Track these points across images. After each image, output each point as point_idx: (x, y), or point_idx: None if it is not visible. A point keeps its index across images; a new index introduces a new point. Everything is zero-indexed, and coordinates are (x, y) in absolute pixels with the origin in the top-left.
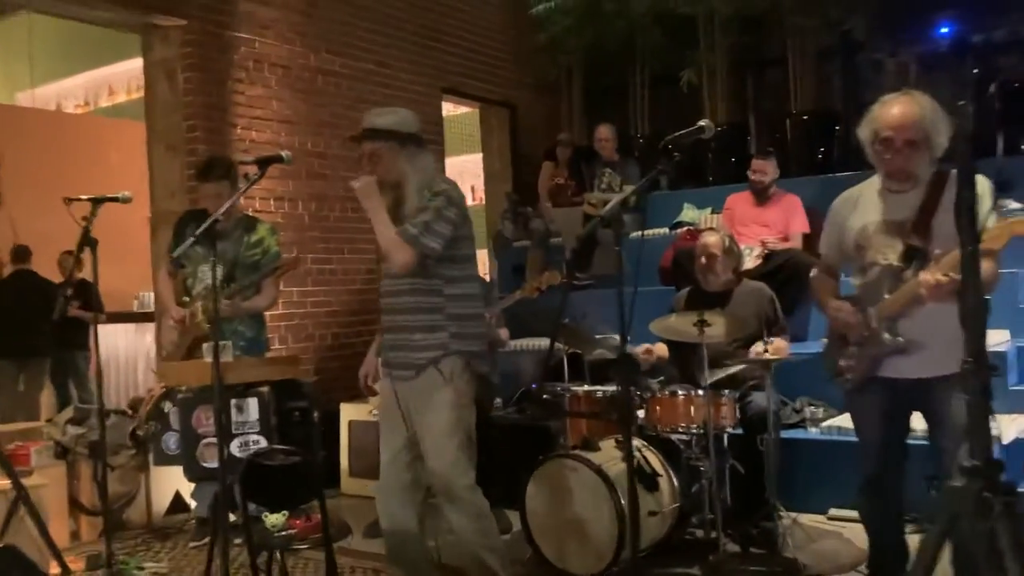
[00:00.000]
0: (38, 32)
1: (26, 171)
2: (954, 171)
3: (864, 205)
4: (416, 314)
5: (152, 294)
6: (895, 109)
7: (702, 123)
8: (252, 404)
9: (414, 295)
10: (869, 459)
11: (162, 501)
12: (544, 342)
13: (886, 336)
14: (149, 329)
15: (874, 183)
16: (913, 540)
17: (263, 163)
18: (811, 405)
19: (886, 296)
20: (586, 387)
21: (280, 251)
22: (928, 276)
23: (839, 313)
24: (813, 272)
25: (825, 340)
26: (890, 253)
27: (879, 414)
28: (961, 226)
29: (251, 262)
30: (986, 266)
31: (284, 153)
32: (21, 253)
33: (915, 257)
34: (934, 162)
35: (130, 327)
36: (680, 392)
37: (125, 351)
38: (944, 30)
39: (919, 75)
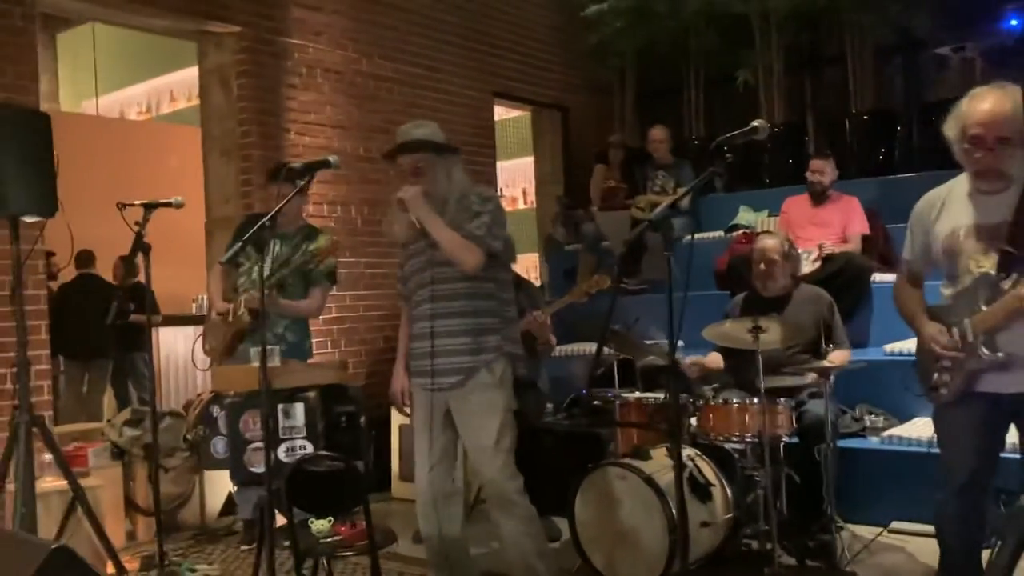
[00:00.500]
0: (102, 43)
1: (88, 177)
2: None
3: (952, 208)
4: (469, 317)
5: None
6: (985, 104)
7: (755, 123)
8: (299, 409)
9: (469, 299)
10: (957, 474)
11: (215, 503)
12: (593, 347)
13: (984, 351)
14: None
15: (961, 184)
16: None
17: (310, 168)
18: (871, 414)
19: (983, 308)
20: (637, 394)
21: (335, 263)
22: None
23: (935, 343)
24: (897, 281)
25: (915, 353)
26: (984, 260)
27: (975, 429)
28: None
29: (302, 269)
30: None
31: (332, 158)
32: (85, 257)
33: (1013, 265)
34: None
35: (188, 330)
36: (734, 400)
37: (184, 354)
38: (1014, 22)
39: (984, 70)
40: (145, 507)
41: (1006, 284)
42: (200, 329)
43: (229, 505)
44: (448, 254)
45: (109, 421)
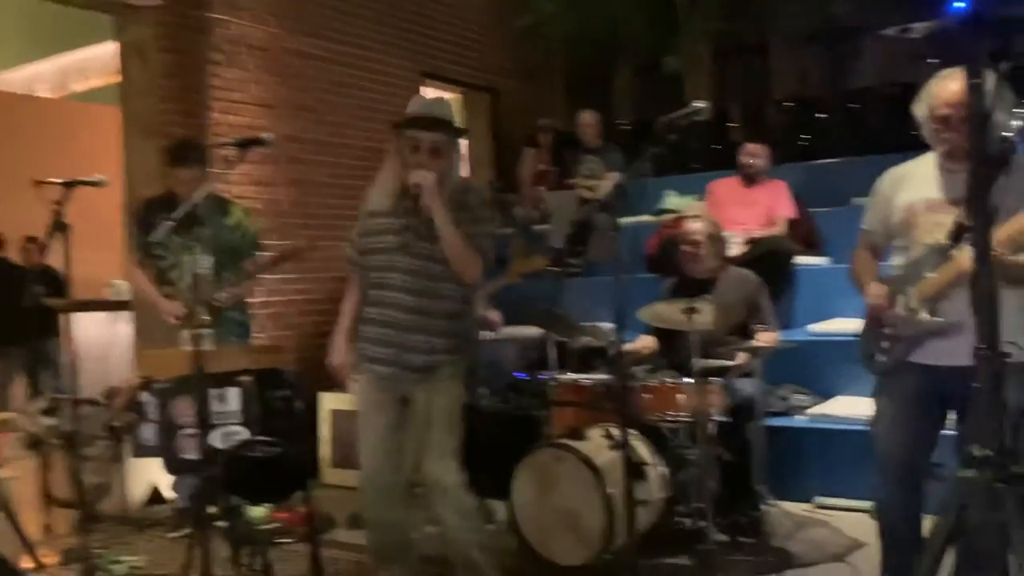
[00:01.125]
0: (7, 14)
1: None
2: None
3: (915, 182)
4: (442, 318)
5: (126, 282)
6: (953, 85)
7: (697, 104)
8: (233, 394)
9: (445, 300)
10: (893, 447)
11: (138, 492)
12: (529, 330)
13: (925, 316)
14: (123, 318)
15: (928, 161)
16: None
17: (244, 146)
18: (797, 392)
19: (929, 274)
20: (572, 375)
21: (257, 233)
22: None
23: (877, 300)
24: (854, 252)
25: (863, 323)
26: (938, 232)
27: (910, 400)
28: (973, 211)
29: (234, 246)
30: None
31: (266, 135)
32: None
33: (964, 235)
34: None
35: (103, 316)
36: (668, 380)
37: (98, 340)
38: (959, 4)
39: (906, 57)
40: (63, 499)
41: (955, 253)
42: (118, 315)
43: (153, 495)
44: (451, 258)
45: (23, 410)
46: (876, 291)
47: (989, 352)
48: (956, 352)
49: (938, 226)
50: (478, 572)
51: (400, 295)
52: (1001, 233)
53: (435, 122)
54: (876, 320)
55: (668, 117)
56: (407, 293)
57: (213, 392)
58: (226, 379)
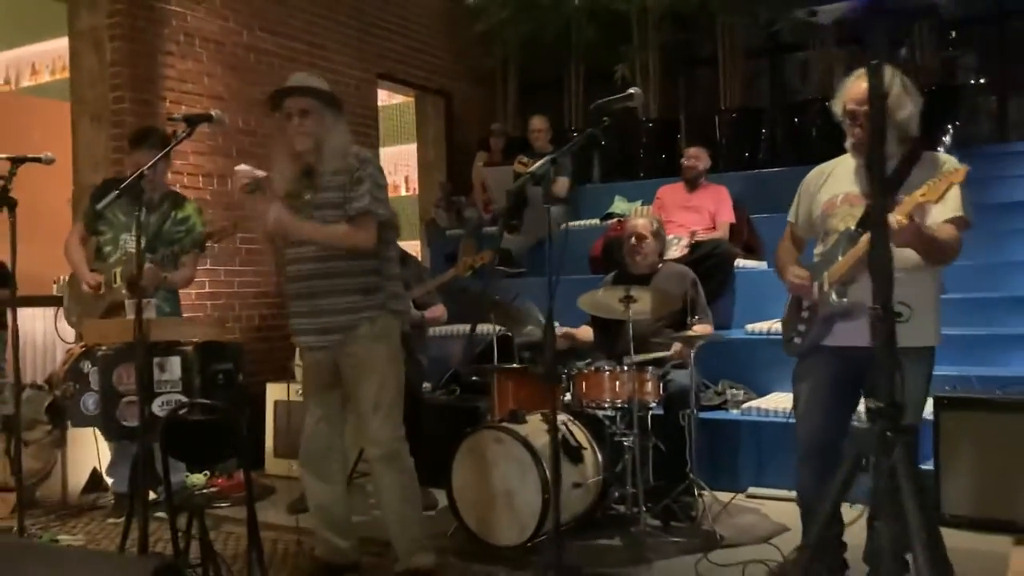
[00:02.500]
0: None
1: None
2: (928, 152)
3: (836, 178)
4: (352, 277)
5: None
6: (864, 83)
7: (632, 90)
8: (175, 363)
9: (350, 259)
10: (809, 428)
11: (78, 478)
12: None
13: (833, 297)
14: None
15: (848, 158)
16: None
17: (193, 121)
18: (732, 388)
19: (841, 258)
20: (515, 366)
21: (203, 233)
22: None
23: (796, 280)
24: (779, 242)
25: (785, 310)
26: (851, 221)
27: (825, 384)
28: (872, 180)
29: (174, 239)
30: (947, 231)
31: (215, 112)
32: None
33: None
34: (904, 140)
35: (49, 311)
36: (606, 368)
37: (43, 335)
38: None
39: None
40: (1, 483)
41: (865, 238)
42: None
43: (93, 481)
44: (348, 248)
45: None
46: (797, 272)
47: (882, 311)
48: (863, 333)
49: (852, 216)
50: (407, 526)
51: (306, 265)
52: (906, 205)
53: (297, 89)
54: (796, 305)
55: (603, 100)
56: (311, 262)
57: (155, 360)
58: (168, 348)
